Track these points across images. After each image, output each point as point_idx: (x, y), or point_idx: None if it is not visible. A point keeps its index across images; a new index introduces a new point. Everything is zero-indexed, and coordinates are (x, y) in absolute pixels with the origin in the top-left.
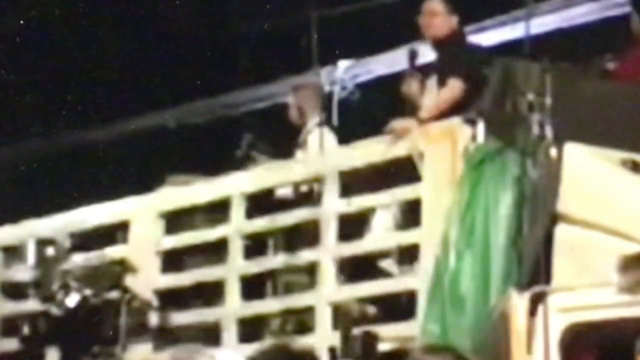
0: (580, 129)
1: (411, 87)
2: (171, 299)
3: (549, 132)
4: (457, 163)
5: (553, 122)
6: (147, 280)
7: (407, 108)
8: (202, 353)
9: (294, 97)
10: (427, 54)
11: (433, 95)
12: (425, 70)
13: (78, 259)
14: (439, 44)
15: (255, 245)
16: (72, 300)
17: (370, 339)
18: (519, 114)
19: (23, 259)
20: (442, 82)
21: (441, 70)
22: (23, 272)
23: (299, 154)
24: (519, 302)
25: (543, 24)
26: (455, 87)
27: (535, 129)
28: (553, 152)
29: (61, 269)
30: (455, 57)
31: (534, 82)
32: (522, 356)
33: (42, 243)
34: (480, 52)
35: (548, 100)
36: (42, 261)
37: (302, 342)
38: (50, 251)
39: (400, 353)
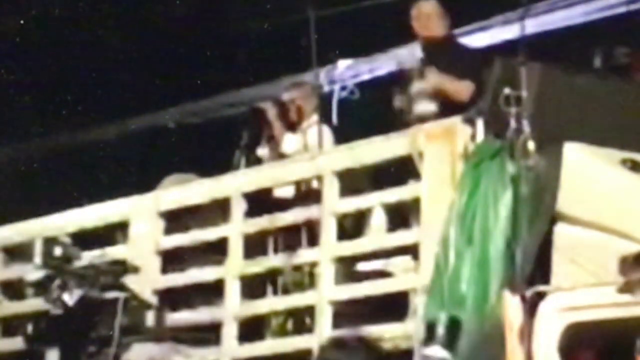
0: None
1: (402, 102)
2: (171, 299)
3: (526, 126)
4: (457, 163)
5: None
6: (147, 280)
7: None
8: (183, 353)
9: (291, 94)
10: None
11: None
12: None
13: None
14: (434, 46)
15: (255, 245)
16: (70, 299)
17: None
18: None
19: (29, 259)
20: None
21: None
22: (33, 273)
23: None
24: (514, 302)
25: (541, 23)
26: (469, 87)
27: (513, 123)
28: (530, 145)
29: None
30: (458, 58)
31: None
32: (519, 356)
33: (48, 243)
34: (475, 54)
35: (524, 94)
36: (50, 261)
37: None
38: (57, 251)
39: (400, 353)
